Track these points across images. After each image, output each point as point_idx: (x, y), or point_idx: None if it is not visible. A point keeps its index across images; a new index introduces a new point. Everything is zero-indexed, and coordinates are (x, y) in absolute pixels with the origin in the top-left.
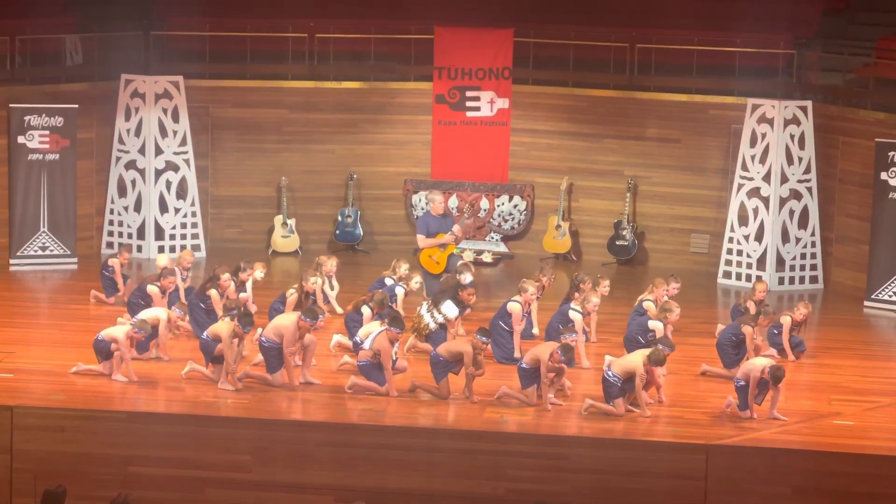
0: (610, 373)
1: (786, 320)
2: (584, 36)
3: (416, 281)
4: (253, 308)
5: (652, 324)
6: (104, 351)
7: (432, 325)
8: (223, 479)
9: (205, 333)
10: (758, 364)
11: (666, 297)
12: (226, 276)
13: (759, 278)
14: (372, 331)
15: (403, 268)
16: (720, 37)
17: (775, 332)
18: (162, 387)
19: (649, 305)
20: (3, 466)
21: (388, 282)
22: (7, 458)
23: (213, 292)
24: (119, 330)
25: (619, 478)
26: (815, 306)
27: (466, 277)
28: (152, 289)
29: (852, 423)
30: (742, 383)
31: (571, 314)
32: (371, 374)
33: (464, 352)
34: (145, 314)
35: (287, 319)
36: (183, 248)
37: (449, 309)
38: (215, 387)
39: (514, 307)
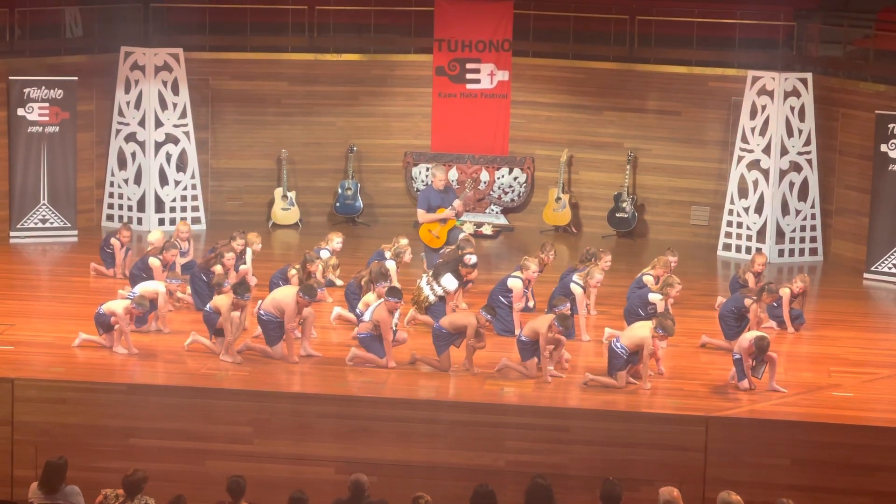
0: (618, 344)
1: (785, 292)
2: (585, 8)
3: (407, 253)
4: (253, 280)
5: (652, 296)
6: (105, 324)
7: (432, 298)
8: (224, 451)
9: (207, 306)
10: (748, 337)
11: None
12: (230, 256)
13: (758, 250)
14: (371, 302)
15: (402, 242)
16: (720, 9)
17: (774, 304)
18: (162, 359)
19: (649, 279)
20: (4, 438)
21: (387, 255)
22: (8, 429)
23: (217, 268)
24: (118, 304)
25: (619, 449)
26: (814, 278)
27: (472, 258)
28: (154, 262)
29: (852, 395)
30: (738, 356)
31: (573, 287)
32: (371, 346)
33: (468, 324)
34: (143, 287)
35: (286, 294)
36: (182, 220)
37: (448, 282)
38: (216, 359)
39: (515, 284)
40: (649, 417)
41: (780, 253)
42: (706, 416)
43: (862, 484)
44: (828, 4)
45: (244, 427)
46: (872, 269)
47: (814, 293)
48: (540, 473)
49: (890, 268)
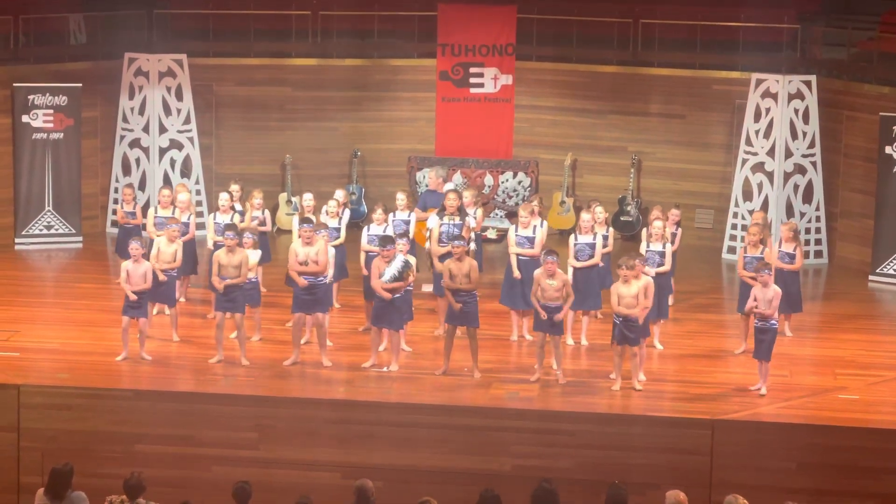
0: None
1: (773, 246)
2: (588, 11)
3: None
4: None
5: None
6: (133, 305)
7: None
8: (230, 457)
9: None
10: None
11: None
12: (224, 197)
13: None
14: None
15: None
16: (724, 11)
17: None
18: (169, 365)
19: None
20: (10, 445)
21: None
22: (14, 436)
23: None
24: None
25: (625, 453)
26: (819, 281)
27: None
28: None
29: (857, 398)
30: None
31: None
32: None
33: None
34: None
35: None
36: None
37: (431, 220)
38: (222, 365)
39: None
40: (655, 421)
41: None
42: (712, 420)
43: (868, 487)
44: (831, 7)
45: (250, 433)
46: (878, 271)
47: (819, 295)
48: (546, 478)
49: (895, 270)
